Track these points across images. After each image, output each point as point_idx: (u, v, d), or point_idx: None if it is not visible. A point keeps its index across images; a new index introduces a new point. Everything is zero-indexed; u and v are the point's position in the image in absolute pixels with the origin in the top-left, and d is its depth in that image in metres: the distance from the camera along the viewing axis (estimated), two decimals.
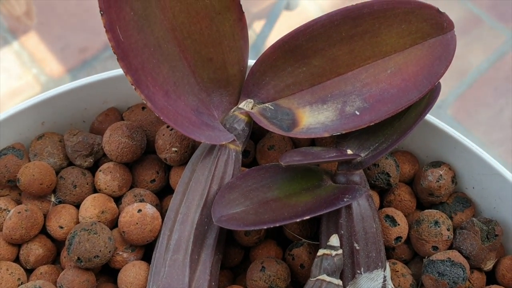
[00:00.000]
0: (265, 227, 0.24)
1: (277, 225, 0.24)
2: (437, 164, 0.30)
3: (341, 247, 0.26)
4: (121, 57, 0.23)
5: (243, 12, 0.27)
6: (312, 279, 0.25)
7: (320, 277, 0.25)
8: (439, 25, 0.27)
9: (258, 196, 0.26)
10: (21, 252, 0.28)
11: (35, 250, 0.28)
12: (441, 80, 0.27)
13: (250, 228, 0.24)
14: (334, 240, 0.26)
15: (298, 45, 0.28)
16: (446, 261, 0.27)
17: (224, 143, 0.27)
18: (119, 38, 0.23)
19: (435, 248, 0.29)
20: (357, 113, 0.28)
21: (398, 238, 0.29)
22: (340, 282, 0.25)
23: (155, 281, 0.26)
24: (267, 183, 0.27)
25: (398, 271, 0.28)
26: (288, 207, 0.25)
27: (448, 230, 0.29)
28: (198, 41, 0.27)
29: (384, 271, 0.27)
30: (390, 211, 0.29)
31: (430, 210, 0.30)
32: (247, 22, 0.27)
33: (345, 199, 0.25)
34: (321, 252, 0.26)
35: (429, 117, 0.29)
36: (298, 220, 0.24)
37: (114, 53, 0.23)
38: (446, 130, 0.29)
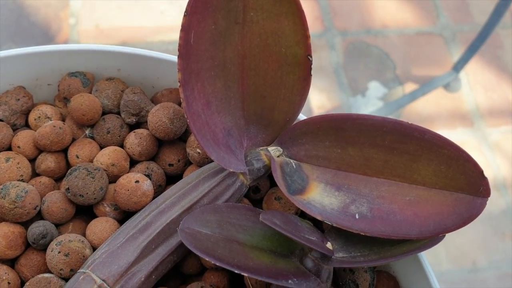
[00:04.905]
0: (209, 260, 0.25)
1: (218, 264, 0.25)
2: None
3: None
4: (182, 56, 0.26)
5: (311, 75, 0.28)
6: None
7: None
8: (476, 186, 0.26)
9: (230, 231, 0.28)
10: (39, 156, 0.32)
11: (48, 162, 0.32)
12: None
13: (196, 252, 0.25)
14: None
15: (344, 128, 0.29)
16: None
17: (232, 171, 0.29)
18: (189, 40, 0.26)
19: None
20: (357, 216, 0.28)
21: None
22: None
23: (110, 244, 0.28)
24: (247, 224, 0.28)
25: None
26: (242, 256, 0.26)
27: None
28: (260, 77, 0.29)
29: None
30: None
31: None
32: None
33: (289, 281, 0.25)
34: None
35: (423, 258, 0.29)
36: (236, 271, 0.25)
37: (178, 50, 0.26)
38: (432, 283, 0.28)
